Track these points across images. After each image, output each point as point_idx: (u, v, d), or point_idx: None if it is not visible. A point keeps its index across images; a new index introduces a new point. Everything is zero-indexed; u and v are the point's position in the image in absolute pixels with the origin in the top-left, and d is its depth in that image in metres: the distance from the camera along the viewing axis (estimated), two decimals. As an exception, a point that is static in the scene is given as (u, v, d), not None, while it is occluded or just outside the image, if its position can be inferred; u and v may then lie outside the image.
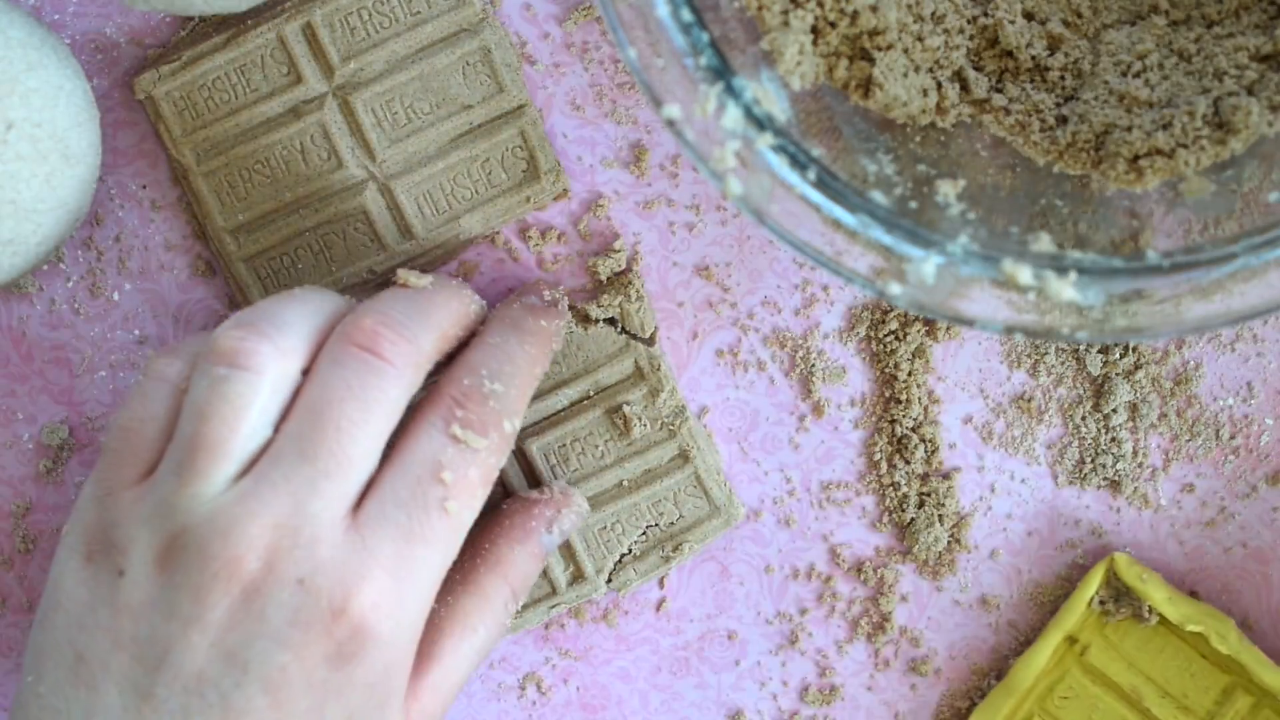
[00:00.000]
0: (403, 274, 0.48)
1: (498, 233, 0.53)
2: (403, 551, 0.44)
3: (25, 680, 0.45)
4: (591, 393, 0.53)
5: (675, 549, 0.53)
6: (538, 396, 0.53)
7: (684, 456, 0.53)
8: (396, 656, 0.45)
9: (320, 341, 0.45)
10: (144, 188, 0.53)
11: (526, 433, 0.53)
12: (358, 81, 0.52)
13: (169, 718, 0.43)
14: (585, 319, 0.52)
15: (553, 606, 0.53)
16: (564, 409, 0.53)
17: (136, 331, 0.54)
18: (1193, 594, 0.53)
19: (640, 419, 0.53)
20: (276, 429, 0.44)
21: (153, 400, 0.46)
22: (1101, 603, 0.52)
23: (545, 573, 0.53)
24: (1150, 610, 0.51)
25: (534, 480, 0.53)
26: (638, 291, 0.52)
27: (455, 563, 0.47)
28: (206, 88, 0.52)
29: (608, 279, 0.53)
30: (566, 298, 0.52)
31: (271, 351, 0.44)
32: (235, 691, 0.43)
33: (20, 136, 0.48)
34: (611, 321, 0.53)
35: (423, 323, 0.46)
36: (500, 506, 0.51)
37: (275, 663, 0.43)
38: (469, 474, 0.45)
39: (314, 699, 0.43)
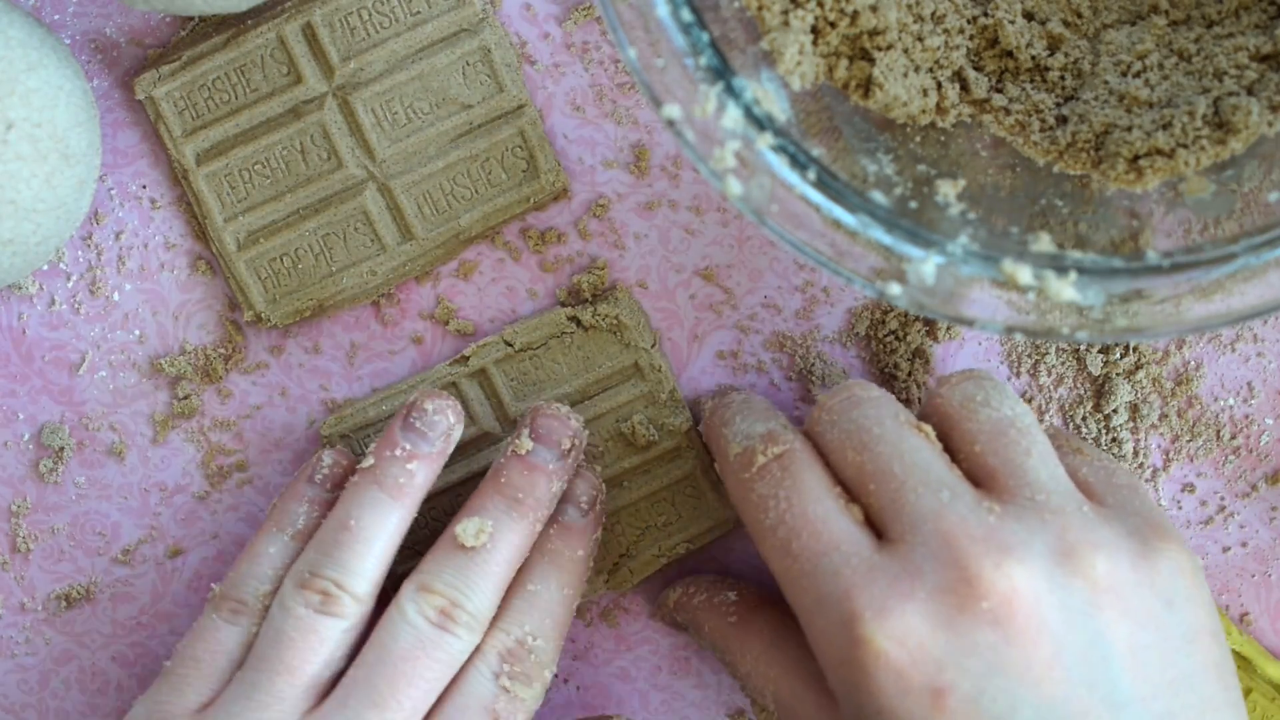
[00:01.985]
0: (460, 530, 0.49)
1: (498, 232, 0.53)
2: None
3: None
4: (591, 392, 0.53)
5: (673, 549, 0.53)
6: (536, 395, 0.53)
7: (681, 458, 0.53)
8: None
9: (384, 575, 0.50)
10: (144, 188, 0.53)
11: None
12: (358, 81, 0.52)
13: None
14: (578, 323, 0.53)
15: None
16: (564, 409, 0.53)
17: (136, 331, 0.54)
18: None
19: (638, 420, 0.53)
20: (348, 665, 0.49)
21: (232, 641, 0.50)
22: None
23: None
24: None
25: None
26: (631, 307, 0.52)
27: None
28: (206, 88, 0.52)
29: (598, 289, 0.53)
30: (603, 487, 0.52)
31: (351, 602, 0.49)
32: None
33: (20, 136, 0.48)
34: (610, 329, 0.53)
35: (481, 594, 0.49)
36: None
37: None
38: (516, 718, 0.49)
39: None
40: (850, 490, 0.46)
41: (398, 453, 0.49)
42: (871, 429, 0.46)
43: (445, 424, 0.50)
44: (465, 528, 0.49)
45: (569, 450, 0.50)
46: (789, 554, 0.46)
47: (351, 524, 0.49)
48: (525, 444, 0.50)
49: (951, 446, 0.47)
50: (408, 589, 0.49)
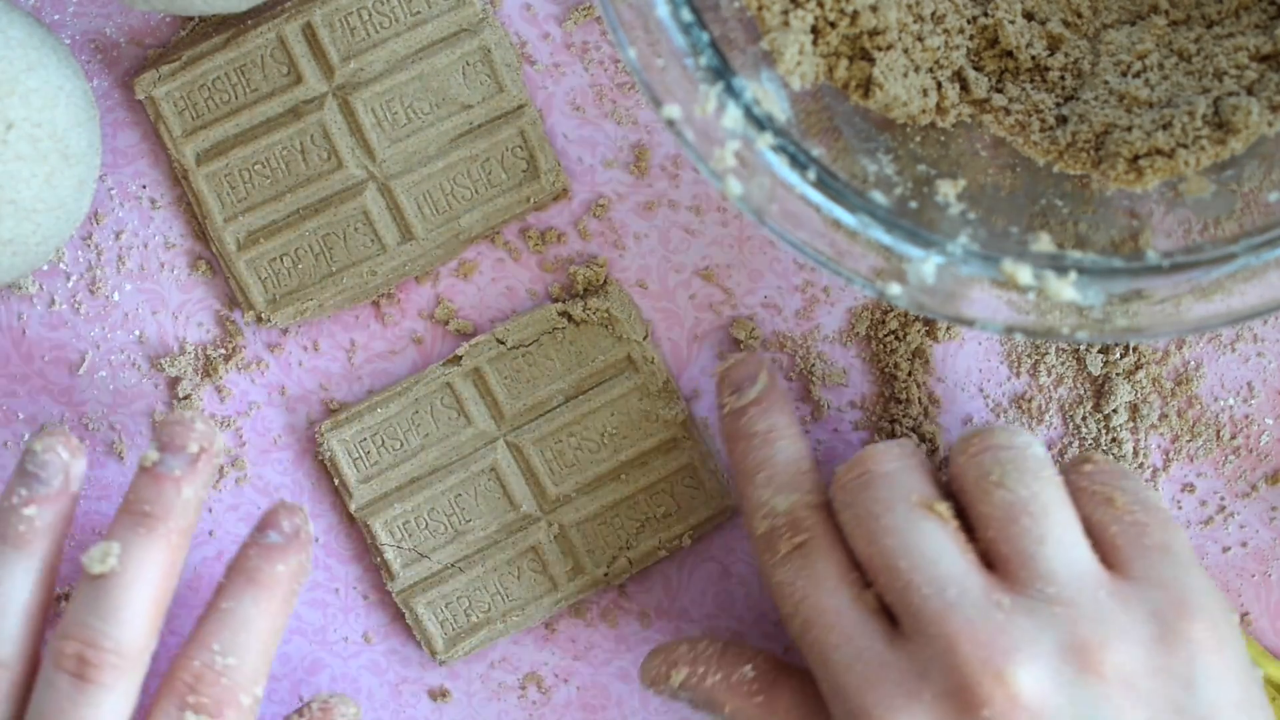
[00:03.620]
0: (86, 559, 0.47)
1: (498, 232, 0.53)
2: None
3: None
4: (585, 386, 0.53)
5: (674, 542, 0.53)
6: (530, 392, 0.53)
7: (679, 448, 0.53)
8: None
9: (38, 630, 0.47)
10: (144, 188, 0.53)
11: (520, 430, 0.53)
12: (358, 81, 0.52)
13: None
14: (569, 318, 0.53)
15: (555, 603, 0.53)
16: (559, 404, 0.53)
17: (136, 331, 0.54)
18: (1193, 594, 0.53)
19: (634, 411, 0.53)
20: None
21: None
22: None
23: (545, 569, 0.53)
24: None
25: (534, 478, 0.53)
26: (621, 300, 0.52)
27: None
28: (206, 88, 0.52)
29: (592, 285, 0.53)
30: (309, 521, 0.50)
31: None
32: None
33: (20, 136, 0.48)
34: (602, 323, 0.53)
35: (122, 624, 0.46)
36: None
37: None
38: None
39: None
40: (866, 575, 0.46)
41: (15, 500, 0.47)
42: (881, 517, 0.45)
43: (59, 461, 0.48)
44: (90, 555, 0.46)
45: (198, 454, 0.48)
46: (804, 643, 0.46)
47: None
48: (151, 455, 0.48)
49: (968, 522, 0.46)
50: (49, 642, 0.46)
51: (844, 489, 0.47)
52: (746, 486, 0.49)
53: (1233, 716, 0.43)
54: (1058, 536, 0.45)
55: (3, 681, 0.46)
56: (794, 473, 0.48)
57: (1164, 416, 0.53)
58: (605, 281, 0.53)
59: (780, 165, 0.43)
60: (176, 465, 0.47)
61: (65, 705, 0.45)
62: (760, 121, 0.43)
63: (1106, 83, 0.47)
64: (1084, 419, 0.53)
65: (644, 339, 0.53)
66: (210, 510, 0.54)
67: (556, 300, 0.53)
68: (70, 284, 0.54)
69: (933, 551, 0.44)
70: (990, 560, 0.45)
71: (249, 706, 0.47)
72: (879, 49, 0.47)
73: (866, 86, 0.47)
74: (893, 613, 0.45)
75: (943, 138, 0.48)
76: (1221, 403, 0.53)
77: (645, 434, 0.53)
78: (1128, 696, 0.43)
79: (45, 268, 0.54)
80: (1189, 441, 0.53)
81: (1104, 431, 0.53)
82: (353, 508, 0.53)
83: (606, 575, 0.53)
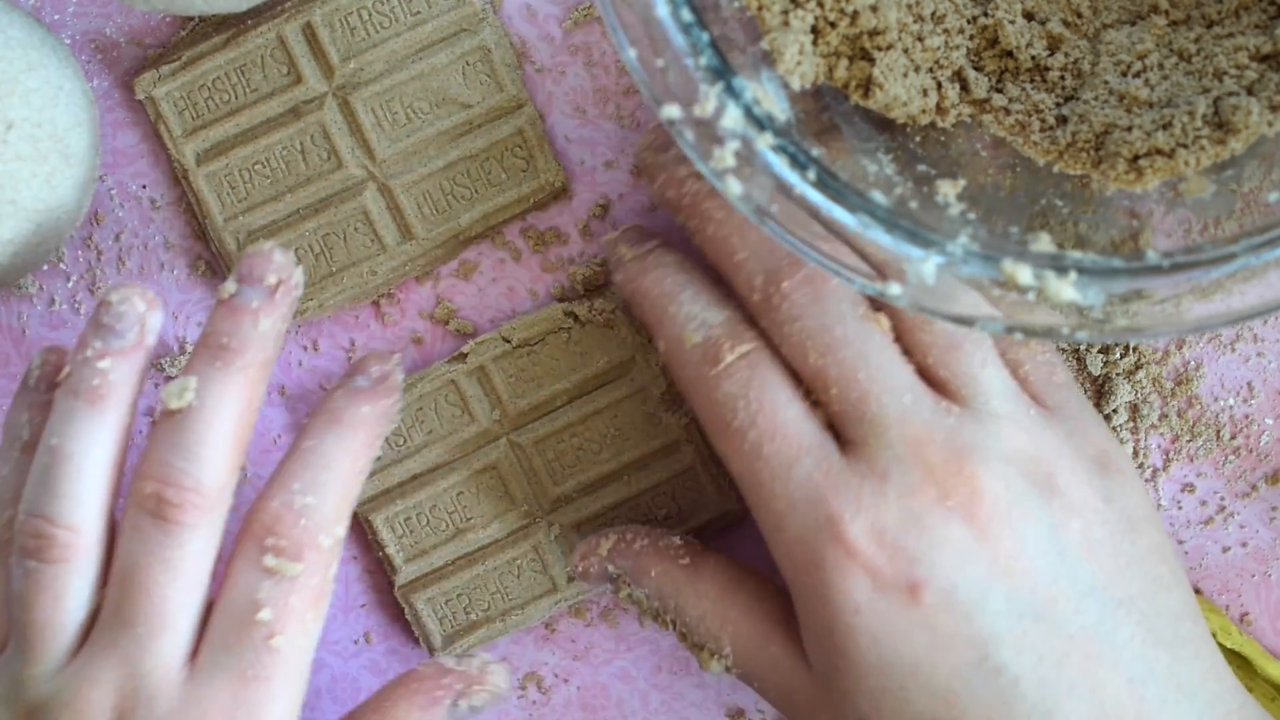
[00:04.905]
0: (164, 394, 0.46)
1: (498, 232, 0.53)
2: (239, 696, 0.45)
3: None
4: (589, 387, 0.53)
5: None
6: (533, 391, 0.53)
7: (680, 452, 0.53)
8: None
9: (114, 489, 0.46)
10: (144, 188, 0.54)
11: (523, 429, 0.53)
12: (358, 81, 0.52)
13: None
14: (574, 318, 0.53)
15: (555, 603, 0.53)
16: (562, 404, 0.53)
17: (136, 331, 0.54)
18: (1195, 592, 0.53)
19: (637, 414, 0.53)
20: (102, 594, 0.46)
21: None
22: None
23: (544, 569, 0.53)
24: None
25: (535, 478, 0.53)
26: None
27: (353, 711, 0.49)
28: (206, 88, 0.52)
29: (592, 284, 0.53)
30: (400, 367, 0.50)
31: (68, 538, 0.45)
32: None
33: (20, 136, 0.48)
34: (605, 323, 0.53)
35: (201, 461, 0.45)
36: (415, 666, 0.50)
37: None
38: (289, 604, 0.45)
39: None
40: (810, 389, 0.47)
41: (89, 354, 0.45)
42: (834, 329, 0.46)
43: (135, 313, 0.46)
44: (168, 390, 0.45)
45: (276, 285, 0.46)
46: (759, 457, 0.46)
47: (54, 444, 0.45)
48: (229, 287, 0.46)
49: (905, 346, 0.47)
50: (130, 492, 0.45)
51: (792, 302, 0.46)
52: (668, 306, 0.48)
53: (1147, 530, 0.47)
54: (995, 362, 0.47)
55: (80, 548, 0.45)
56: (720, 292, 0.48)
57: (1164, 416, 0.53)
58: (607, 282, 0.53)
59: (780, 165, 0.43)
60: (254, 297, 0.46)
61: (151, 548, 0.45)
62: (760, 121, 0.43)
63: (1106, 83, 0.47)
64: (1084, 419, 0.53)
65: (648, 341, 0.53)
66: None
67: (561, 300, 0.53)
68: (70, 284, 0.54)
69: (885, 362, 0.46)
70: (928, 381, 0.47)
71: (329, 548, 0.46)
72: (879, 49, 0.47)
73: (866, 86, 0.47)
74: (841, 424, 0.46)
75: (943, 138, 0.48)
76: (1221, 403, 0.53)
77: (647, 436, 0.53)
78: (1062, 502, 0.46)
79: (45, 268, 0.54)
80: (1189, 441, 0.53)
81: (1104, 431, 0.53)
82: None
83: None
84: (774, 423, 0.46)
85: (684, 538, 0.51)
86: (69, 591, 0.45)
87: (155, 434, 0.46)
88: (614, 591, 0.51)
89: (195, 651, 0.46)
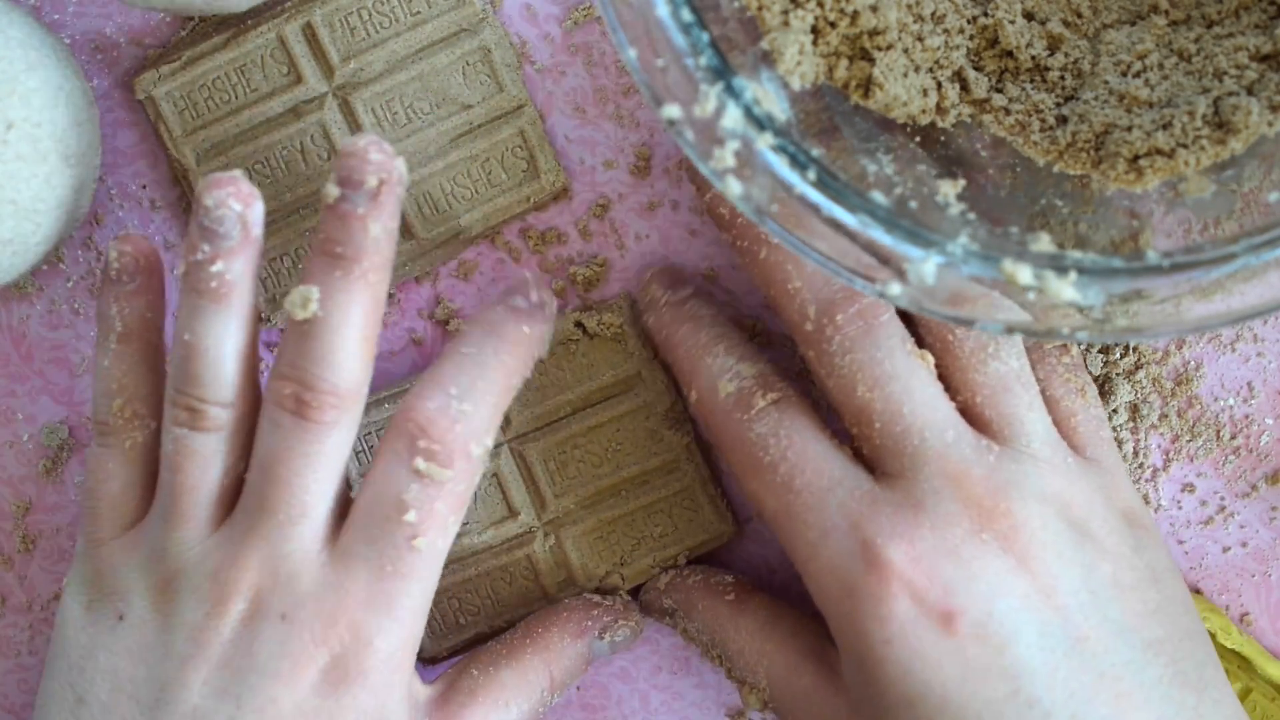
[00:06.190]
0: (288, 303, 0.46)
1: (498, 233, 0.53)
2: (376, 587, 0.46)
3: None
4: (593, 400, 0.53)
5: (666, 561, 0.53)
6: (539, 401, 0.53)
7: (680, 471, 0.53)
8: (384, 686, 0.46)
9: (252, 368, 0.48)
10: (144, 188, 0.53)
11: (526, 437, 0.53)
12: (358, 81, 0.52)
13: None
14: (582, 329, 0.52)
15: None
16: (565, 415, 0.53)
17: (137, 331, 0.54)
18: (1196, 592, 0.53)
19: (639, 430, 0.53)
20: (243, 471, 0.48)
21: (112, 462, 0.49)
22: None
23: (537, 578, 0.53)
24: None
25: (536, 487, 0.53)
26: (634, 315, 0.52)
27: (504, 637, 0.51)
28: (206, 88, 0.52)
29: (592, 284, 0.53)
30: (556, 300, 0.50)
31: (216, 411, 0.47)
32: None
33: (20, 136, 0.48)
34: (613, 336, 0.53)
35: (335, 366, 0.46)
36: (563, 599, 0.53)
37: (267, 694, 0.45)
38: (435, 508, 0.46)
39: None
40: (848, 421, 0.47)
41: (199, 257, 0.46)
42: (884, 363, 0.47)
43: (233, 214, 0.46)
44: (291, 300, 0.46)
45: (379, 187, 0.46)
46: (791, 490, 0.46)
47: (187, 338, 0.46)
48: (332, 191, 0.46)
49: (949, 383, 0.48)
50: (268, 387, 0.47)
51: (844, 334, 0.47)
52: (704, 357, 0.49)
53: (1170, 581, 0.48)
54: (1040, 407, 0.48)
55: (229, 421, 0.47)
56: (753, 348, 0.50)
57: (1164, 416, 0.53)
58: (605, 280, 0.53)
59: (780, 165, 0.43)
60: (360, 202, 0.46)
61: (291, 442, 0.46)
62: (760, 121, 0.43)
63: (1106, 83, 0.47)
64: (1084, 419, 0.53)
65: (654, 357, 0.52)
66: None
67: (560, 296, 0.53)
68: (70, 284, 0.54)
69: (930, 398, 0.47)
70: (970, 420, 0.48)
71: (479, 458, 0.47)
72: (879, 49, 0.47)
73: (866, 86, 0.47)
74: (878, 458, 0.47)
75: (943, 138, 0.48)
76: (1221, 403, 0.53)
77: (649, 453, 0.53)
78: (1096, 546, 0.46)
79: (45, 268, 0.54)
80: (1189, 441, 0.53)
81: (1104, 431, 0.53)
82: (353, 506, 0.53)
83: (598, 590, 0.53)
84: (804, 456, 0.47)
85: (736, 576, 0.52)
86: (216, 459, 0.47)
87: (287, 339, 0.47)
88: (672, 625, 0.52)
89: (335, 536, 0.47)
